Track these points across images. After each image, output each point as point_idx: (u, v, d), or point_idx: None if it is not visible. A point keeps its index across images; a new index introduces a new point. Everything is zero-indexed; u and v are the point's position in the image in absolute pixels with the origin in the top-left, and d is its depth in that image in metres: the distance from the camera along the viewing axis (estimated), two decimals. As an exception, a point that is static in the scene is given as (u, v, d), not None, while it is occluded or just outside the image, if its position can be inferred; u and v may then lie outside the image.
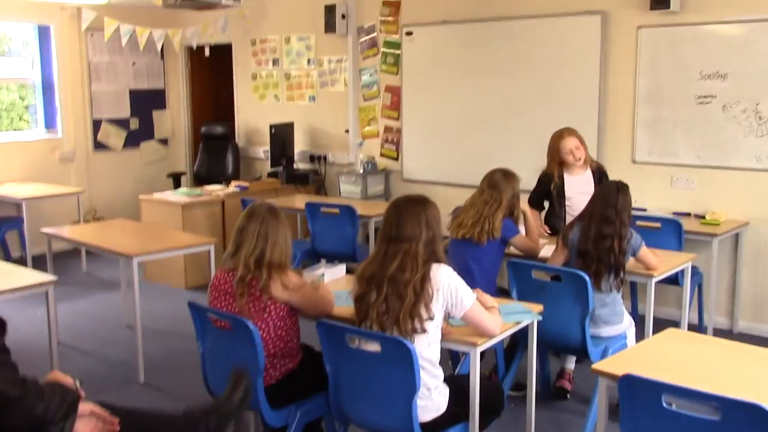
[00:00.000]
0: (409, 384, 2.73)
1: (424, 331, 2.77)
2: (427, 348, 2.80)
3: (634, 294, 5.49)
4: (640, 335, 4.06)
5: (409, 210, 2.89)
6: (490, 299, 3.14)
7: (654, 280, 3.99)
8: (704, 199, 5.39)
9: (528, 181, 4.90)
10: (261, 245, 3.04)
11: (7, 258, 7.18)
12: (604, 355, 3.69)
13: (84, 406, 2.24)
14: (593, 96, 5.77)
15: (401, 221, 2.87)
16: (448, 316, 2.93)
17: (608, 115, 5.69)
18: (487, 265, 4.13)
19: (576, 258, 3.85)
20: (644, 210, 5.45)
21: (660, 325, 3.75)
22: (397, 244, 2.84)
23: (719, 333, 5.24)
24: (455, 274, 2.89)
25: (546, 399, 4.23)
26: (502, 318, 3.11)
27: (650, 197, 5.55)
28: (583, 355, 3.91)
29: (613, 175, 5.43)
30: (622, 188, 3.81)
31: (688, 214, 5.39)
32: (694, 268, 4.98)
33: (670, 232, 4.91)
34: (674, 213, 5.38)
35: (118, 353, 5.00)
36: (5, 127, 7.95)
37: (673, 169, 5.50)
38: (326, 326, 2.92)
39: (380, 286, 2.82)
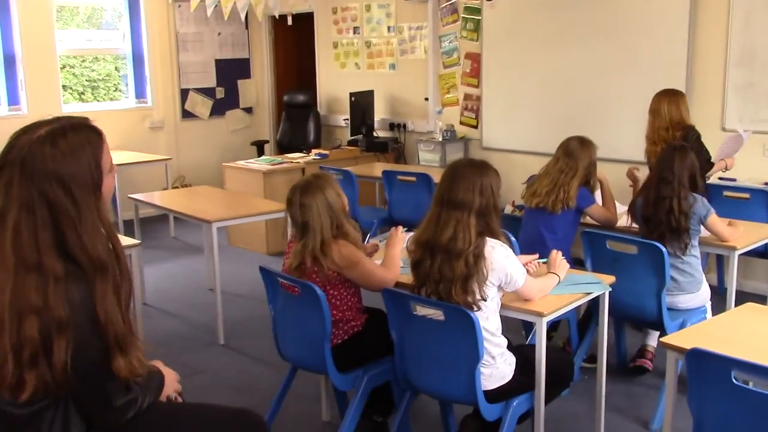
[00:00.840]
0: (473, 352, 2.73)
1: (478, 307, 2.75)
2: (486, 319, 2.79)
3: (720, 268, 5.28)
4: (722, 310, 3.91)
5: (465, 174, 2.81)
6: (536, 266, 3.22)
7: (737, 253, 3.84)
8: (798, 169, 5.12)
9: (605, 150, 4.76)
10: (306, 233, 3.04)
11: (101, 222, 7.51)
12: (681, 328, 3.58)
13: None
14: (681, 60, 5.53)
15: (454, 185, 2.79)
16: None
17: (696, 79, 5.45)
18: (561, 234, 4.06)
19: (641, 225, 3.77)
20: (734, 180, 5.22)
21: (746, 299, 3.59)
22: (449, 210, 2.78)
23: (811, 309, 4.99)
24: (511, 254, 2.83)
25: (622, 372, 4.15)
26: (571, 288, 3.07)
27: (741, 167, 5.26)
28: (659, 329, 3.81)
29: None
30: (679, 150, 3.74)
31: (781, 185, 5.14)
32: (784, 241, 4.76)
33: (759, 203, 4.70)
34: (766, 183, 5.13)
35: (199, 315, 5.19)
36: (102, 97, 8.29)
37: (765, 138, 5.23)
38: (390, 293, 2.95)
39: (434, 254, 2.79)
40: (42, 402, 1.85)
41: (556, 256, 3.21)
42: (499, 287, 2.83)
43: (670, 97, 4.62)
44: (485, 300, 2.76)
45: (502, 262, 2.78)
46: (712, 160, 4.65)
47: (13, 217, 1.75)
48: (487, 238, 2.78)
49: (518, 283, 2.83)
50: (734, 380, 2.21)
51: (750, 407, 2.20)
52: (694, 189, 3.71)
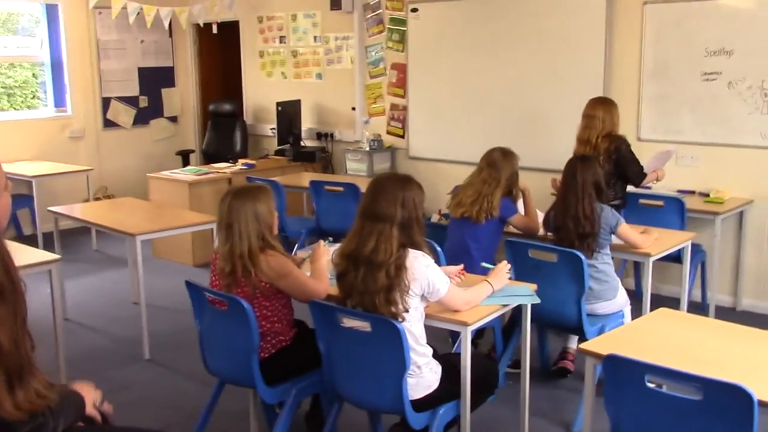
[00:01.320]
0: (399, 362, 2.77)
1: (402, 317, 2.79)
2: (410, 329, 2.83)
3: (638, 273, 5.48)
4: (638, 314, 4.07)
5: (387, 188, 2.86)
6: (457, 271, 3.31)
7: (651, 259, 4.01)
8: (709, 177, 5.37)
9: (529, 159, 4.89)
10: (230, 239, 3.06)
11: (19, 235, 7.29)
12: (600, 333, 3.71)
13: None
14: (598, 72, 5.73)
15: (377, 198, 2.84)
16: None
17: (613, 91, 5.64)
18: (485, 243, 4.15)
19: (554, 235, 3.96)
20: (648, 188, 5.43)
21: (663, 303, 3.75)
22: (372, 222, 2.82)
23: (722, 311, 5.24)
24: (432, 263, 2.88)
25: (545, 377, 4.27)
26: (503, 299, 3.17)
27: (655, 175, 5.51)
28: (580, 334, 3.94)
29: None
30: (581, 160, 3.97)
31: (693, 192, 5.37)
32: (696, 246, 4.99)
33: (673, 210, 4.91)
34: (679, 191, 5.36)
35: (124, 329, 5.08)
36: (19, 105, 8.03)
37: (677, 146, 5.45)
38: (318, 305, 2.96)
39: (358, 266, 2.83)
40: None
41: (501, 267, 3.27)
42: (422, 297, 2.87)
43: (605, 105, 4.79)
44: (408, 311, 2.80)
45: (423, 272, 2.82)
46: (644, 171, 4.83)
47: None
48: (410, 249, 2.83)
49: (441, 292, 2.88)
50: (647, 384, 2.31)
51: (663, 410, 2.30)
52: (600, 197, 3.86)
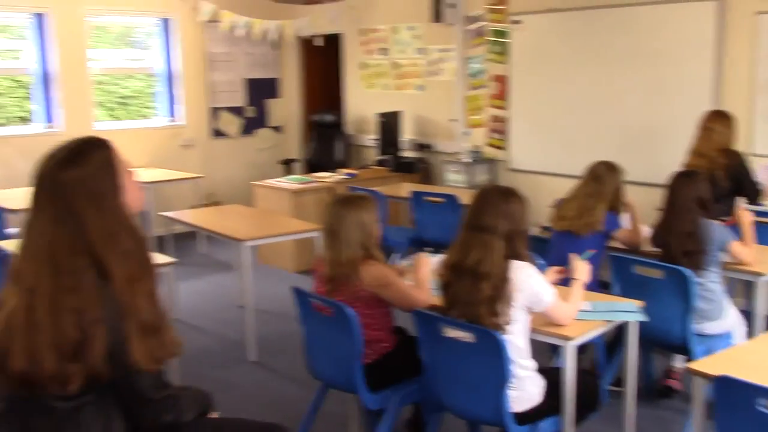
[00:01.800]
0: (501, 374, 2.78)
1: (504, 329, 2.81)
2: (514, 341, 2.84)
3: (750, 293, 5.27)
4: (750, 335, 3.93)
5: (491, 200, 2.90)
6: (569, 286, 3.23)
7: (762, 279, 3.85)
8: (827, 194, 5.11)
9: (634, 173, 4.81)
10: (336, 243, 3.15)
11: (133, 238, 7.66)
12: (707, 354, 3.60)
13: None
14: (707, 86, 5.56)
15: (481, 210, 2.88)
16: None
17: (724, 105, 5.45)
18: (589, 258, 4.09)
19: (659, 251, 3.85)
20: (762, 205, 5.23)
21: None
22: (476, 233, 2.86)
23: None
24: (536, 273, 2.89)
25: (650, 396, 4.17)
26: (608, 315, 3.15)
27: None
28: (686, 354, 3.83)
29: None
30: (685, 175, 3.86)
31: (809, 210, 5.13)
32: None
33: (788, 228, 4.70)
34: (793, 208, 5.13)
35: (231, 332, 5.28)
36: (133, 114, 8.47)
37: (793, 163, 5.25)
38: (421, 315, 3.01)
39: (462, 276, 2.87)
40: (85, 396, 1.97)
41: (575, 261, 3.28)
42: (527, 308, 2.88)
43: (724, 119, 4.73)
44: (510, 323, 2.81)
45: (528, 282, 2.84)
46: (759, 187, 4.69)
47: (48, 237, 1.95)
48: (513, 261, 2.85)
49: (545, 301, 2.88)
50: (759, 408, 2.25)
51: (777, 434, 2.24)
52: (705, 213, 3.75)
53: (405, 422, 3.61)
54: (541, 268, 3.78)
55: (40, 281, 1.92)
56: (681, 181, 3.83)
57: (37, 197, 1.98)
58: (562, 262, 4.11)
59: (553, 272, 3.43)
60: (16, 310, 1.92)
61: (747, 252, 3.86)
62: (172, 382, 2.21)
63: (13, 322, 1.92)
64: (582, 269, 3.25)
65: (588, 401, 3.10)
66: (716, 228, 3.77)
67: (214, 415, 2.39)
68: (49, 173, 1.98)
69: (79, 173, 1.98)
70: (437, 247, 4.56)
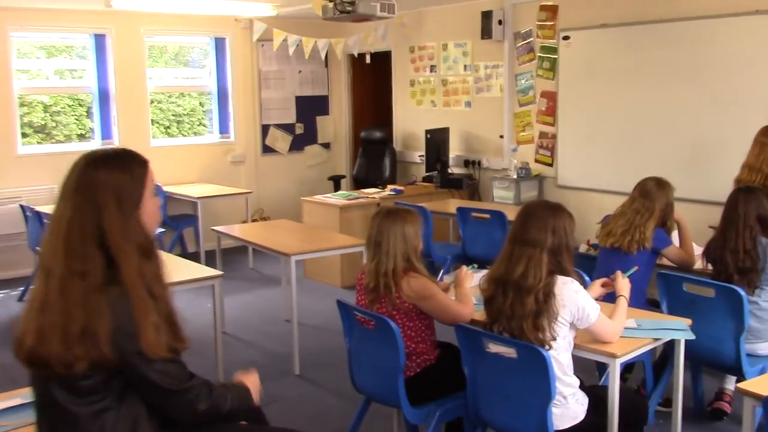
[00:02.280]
0: (544, 391, 2.75)
1: (549, 345, 2.78)
2: (557, 357, 2.81)
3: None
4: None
5: (538, 214, 2.89)
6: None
7: (819, 298, 3.74)
8: None
9: (686, 191, 4.72)
10: (378, 256, 3.17)
11: (184, 252, 7.82)
12: (761, 375, 3.51)
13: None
14: (764, 101, 5.44)
15: (528, 224, 2.87)
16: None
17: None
18: (637, 275, 4.01)
19: (712, 268, 3.76)
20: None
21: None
22: (522, 247, 2.85)
23: None
24: (582, 289, 2.86)
25: (698, 418, 4.07)
26: (655, 333, 3.10)
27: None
28: (738, 374, 3.74)
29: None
30: (745, 191, 3.77)
31: None
32: None
33: None
34: None
35: (276, 345, 5.33)
36: (186, 131, 8.66)
37: None
38: (463, 329, 3.00)
39: (506, 291, 2.85)
40: (102, 400, 2.03)
41: (619, 278, 3.24)
42: (572, 324, 2.85)
43: None
44: (555, 339, 2.79)
45: (573, 297, 2.81)
46: None
47: (66, 219, 2.05)
48: (558, 276, 2.82)
49: (591, 318, 2.85)
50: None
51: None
52: (765, 231, 3.66)
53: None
54: (587, 285, 3.75)
55: (55, 262, 2.01)
56: (743, 196, 3.74)
57: (66, 187, 2.08)
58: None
59: (598, 286, 3.39)
60: (35, 289, 2.05)
61: None
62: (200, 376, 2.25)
63: (32, 300, 2.04)
64: (626, 286, 3.20)
65: (633, 421, 3.04)
66: None
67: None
68: (83, 169, 2.09)
69: (109, 175, 2.08)
70: (482, 264, 4.54)
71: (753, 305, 3.61)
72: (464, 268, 3.48)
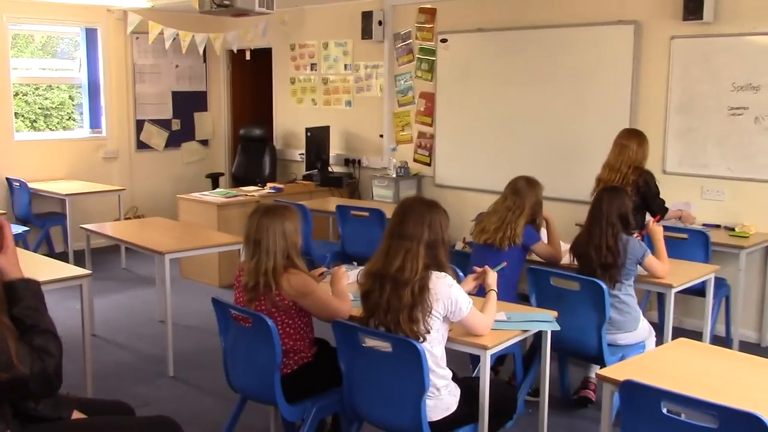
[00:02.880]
0: (419, 384, 2.80)
1: (423, 337, 2.84)
2: (431, 350, 2.87)
3: (661, 305, 5.46)
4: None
5: (415, 209, 2.95)
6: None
7: (673, 291, 4.01)
8: (734, 212, 5.36)
9: (555, 190, 4.94)
10: (257, 254, 3.14)
11: (51, 252, 7.44)
12: (620, 363, 3.71)
13: None
14: (625, 105, 5.78)
15: (405, 218, 2.92)
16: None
17: (639, 124, 5.67)
18: (508, 271, 4.17)
19: (577, 262, 3.96)
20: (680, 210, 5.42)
21: (686, 336, 3.72)
22: (399, 241, 2.89)
23: (746, 346, 5.20)
24: (455, 283, 2.94)
25: (566, 405, 4.26)
26: (523, 325, 3.22)
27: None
28: (600, 363, 3.94)
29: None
30: (609, 191, 3.99)
31: (718, 226, 5.36)
32: (721, 280, 4.98)
33: (697, 243, 4.90)
34: (704, 224, 5.35)
35: (150, 347, 5.17)
36: (54, 126, 8.25)
37: (703, 180, 5.48)
38: (340, 325, 3.02)
39: (383, 284, 2.89)
40: None
41: (488, 273, 3.36)
42: (445, 318, 2.92)
43: (639, 138, 4.90)
44: (429, 332, 2.84)
45: (446, 291, 2.88)
46: (666, 206, 4.89)
47: None
48: (433, 271, 2.88)
49: (463, 311, 2.92)
50: (664, 411, 2.33)
51: (678, 437, 2.31)
52: (626, 229, 3.89)
53: None
54: (461, 280, 3.85)
55: None
56: (607, 195, 3.95)
57: None
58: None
59: (470, 280, 3.49)
60: None
61: (660, 266, 4.01)
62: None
63: None
64: (494, 280, 3.31)
65: (503, 410, 3.15)
66: (634, 243, 3.91)
67: None
68: None
69: None
70: (362, 261, 4.56)
71: (614, 299, 3.82)
72: (341, 267, 3.49)
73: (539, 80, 6.30)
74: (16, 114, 7.75)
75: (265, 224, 3.16)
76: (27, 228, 6.47)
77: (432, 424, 2.90)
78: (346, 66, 7.81)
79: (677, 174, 5.58)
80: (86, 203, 7.56)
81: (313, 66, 8.13)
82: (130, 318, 5.83)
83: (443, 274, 2.91)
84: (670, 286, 4.00)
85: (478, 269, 3.46)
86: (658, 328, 4.56)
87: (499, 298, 3.33)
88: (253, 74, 9.09)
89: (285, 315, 3.16)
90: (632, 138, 4.87)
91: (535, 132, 6.37)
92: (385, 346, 2.87)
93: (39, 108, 8.17)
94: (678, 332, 4.21)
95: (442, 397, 2.93)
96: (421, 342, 2.82)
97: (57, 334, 2.11)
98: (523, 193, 4.23)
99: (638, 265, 3.93)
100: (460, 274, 3.94)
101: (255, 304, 3.16)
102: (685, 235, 4.96)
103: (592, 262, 3.86)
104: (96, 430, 2.28)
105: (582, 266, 3.93)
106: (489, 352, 3.00)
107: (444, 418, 2.94)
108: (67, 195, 7.11)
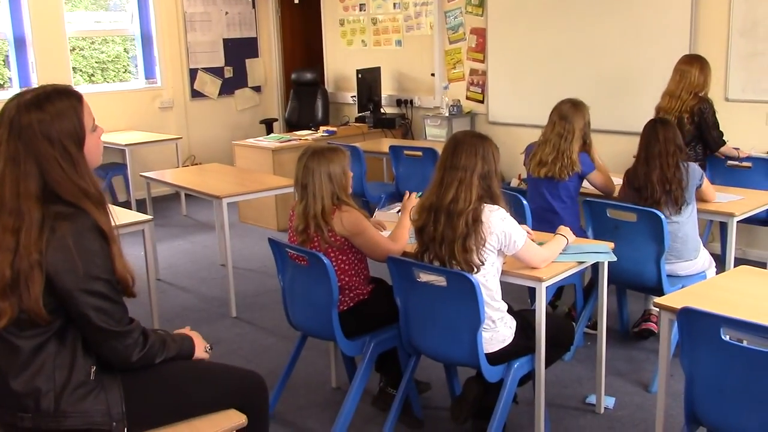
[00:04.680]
0: (474, 316, 2.82)
1: (477, 268, 2.84)
2: (486, 283, 2.88)
3: (724, 237, 5.33)
4: (722, 276, 3.99)
5: (467, 141, 2.92)
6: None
7: (735, 219, 3.92)
8: (801, 137, 5.16)
9: (612, 122, 4.82)
10: (305, 198, 3.16)
11: (114, 201, 7.64)
12: (680, 293, 3.66)
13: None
14: (684, 30, 5.56)
15: (458, 150, 2.90)
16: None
17: (700, 50, 5.45)
18: (569, 202, 4.13)
19: (632, 195, 3.87)
20: (737, 149, 5.26)
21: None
22: (453, 172, 2.88)
23: (814, 276, 5.06)
24: (508, 216, 2.91)
25: (625, 338, 4.24)
26: (579, 256, 3.19)
27: (744, 136, 5.32)
28: (660, 294, 3.88)
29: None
30: (661, 122, 3.89)
31: (784, 153, 5.18)
32: (786, 209, 4.82)
33: (762, 171, 4.76)
34: (768, 152, 5.18)
35: (212, 290, 5.32)
36: (112, 78, 8.39)
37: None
38: (394, 261, 3.04)
39: (437, 217, 2.89)
40: (43, 334, 2.04)
41: (562, 228, 3.32)
42: (499, 251, 2.91)
43: (701, 63, 4.77)
44: (483, 264, 2.85)
45: (500, 224, 2.87)
46: (724, 138, 4.75)
47: (1, 167, 2.00)
48: (486, 204, 2.87)
49: (518, 244, 2.91)
50: (723, 337, 2.29)
51: (739, 363, 2.27)
52: (682, 155, 3.79)
53: (372, 399, 3.59)
54: (525, 209, 3.84)
55: None
56: (659, 125, 3.85)
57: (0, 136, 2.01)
58: (546, 208, 4.17)
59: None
60: None
61: (712, 188, 4.01)
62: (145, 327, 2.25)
63: None
64: (568, 232, 3.27)
65: (560, 341, 3.16)
66: (693, 166, 3.82)
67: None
68: (12, 114, 2.01)
69: (39, 116, 2.01)
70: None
71: (674, 225, 3.73)
72: (413, 194, 3.48)
73: (593, 9, 6.09)
74: (74, 69, 7.90)
75: (311, 168, 3.17)
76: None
77: (489, 355, 2.92)
78: (395, 5, 7.69)
79: (741, 101, 5.38)
80: (145, 153, 7.72)
81: (362, 6, 8.03)
82: (192, 263, 5.99)
83: (496, 207, 2.90)
84: (732, 215, 3.91)
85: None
86: (720, 259, 4.48)
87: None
88: (302, 18, 9.04)
89: (339, 252, 3.20)
90: (693, 63, 4.72)
91: (590, 63, 6.19)
92: (439, 280, 2.89)
93: (96, 62, 8.30)
94: (741, 263, 4.07)
95: (498, 329, 2.94)
96: (475, 273, 2.82)
97: (160, 358, 2.25)
98: (570, 117, 4.12)
99: (697, 189, 3.85)
100: (524, 202, 3.91)
101: (308, 245, 3.20)
102: (749, 164, 4.81)
103: (655, 192, 3.77)
104: (190, 372, 2.35)
105: (644, 197, 3.82)
106: (544, 284, 3.00)
107: (500, 349, 2.96)
108: (126, 145, 7.26)
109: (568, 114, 4.11)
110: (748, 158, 4.86)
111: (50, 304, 2.01)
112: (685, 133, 4.52)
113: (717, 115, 4.71)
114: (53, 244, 1.97)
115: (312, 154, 3.22)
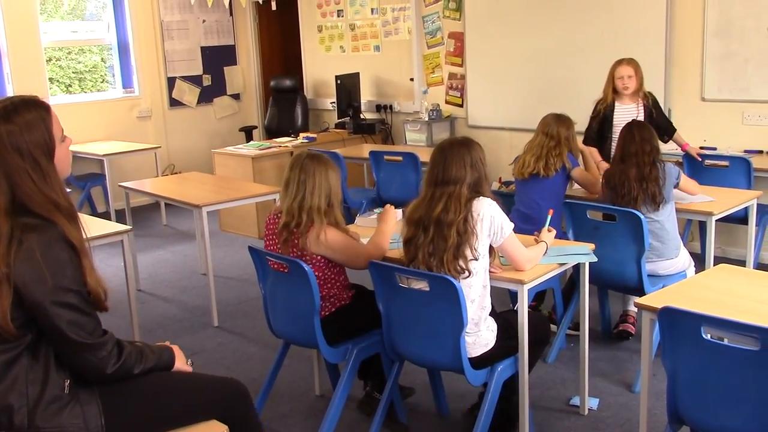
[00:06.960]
0: (457, 320, 2.81)
1: (469, 272, 2.84)
2: (472, 287, 2.88)
3: (703, 235, 5.37)
4: (701, 274, 4.01)
5: (455, 152, 2.93)
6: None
7: (713, 218, 3.94)
8: (777, 136, 5.21)
9: (585, 122, 4.87)
10: (301, 192, 3.14)
11: (93, 212, 7.58)
12: (661, 292, 3.68)
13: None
14: (660, 30, 5.60)
15: (447, 164, 2.92)
16: (497, 255, 3.02)
17: (675, 50, 5.53)
18: (555, 201, 4.13)
19: (610, 195, 3.91)
20: (714, 149, 5.31)
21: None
22: (442, 187, 2.90)
23: (792, 272, 5.10)
24: (495, 204, 2.93)
25: (607, 339, 4.26)
26: (560, 258, 3.19)
27: (720, 135, 5.40)
28: (641, 294, 3.90)
29: (681, 114, 5.39)
30: (637, 125, 3.96)
31: (761, 152, 5.23)
32: (763, 207, 4.87)
33: (739, 170, 4.79)
34: (745, 151, 5.23)
35: (193, 299, 5.28)
36: (89, 88, 8.32)
37: (744, 106, 5.32)
38: (377, 266, 3.03)
39: (427, 229, 2.89)
40: (13, 349, 2.01)
41: (544, 228, 3.32)
42: (490, 240, 2.91)
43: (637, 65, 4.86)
44: (477, 259, 2.84)
45: (487, 209, 2.88)
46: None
47: None
48: (474, 200, 2.89)
49: (505, 231, 2.92)
50: (704, 336, 2.30)
51: (720, 361, 2.28)
52: (657, 155, 3.84)
53: (357, 404, 3.59)
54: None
55: None
56: (635, 126, 3.94)
57: None
58: (531, 207, 4.20)
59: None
60: None
61: (693, 182, 4.06)
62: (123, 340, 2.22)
63: None
64: (548, 235, 3.28)
65: (538, 337, 3.15)
66: (669, 166, 3.87)
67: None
68: None
69: (8, 128, 1.99)
70: (398, 206, 4.56)
71: (655, 224, 3.76)
72: (391, 206, 3.48)
73: (570, 13, 6.13)
74: (51, 79, 7.82)
75: (312, 167, 3.17)
76: (69, 190, 6.57)
77: (472, 360, 2.92)
78: (372, 10, 7.70)
79: (717, 100, 5.43)
80: (124, 162, 7.66)
81: (339, 12, 8.03)
82: (173, 272, 5.94)
83: (485, 198, 2.92)
84: (711, 214, 3.94)
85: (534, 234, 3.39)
86: (700, 258, 4.51)
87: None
88: (279, 25, 9.03)
89: (314, 267, 3.16)
90: (638, 68, 4.86)
91: (567, 66, 6.22)
92: (422, 284, 2.88)
93: (73, 72, 8.23)
94: (721, 262, 4.09)
95: (481, 333, 2.94)
96: (466, 276, 2.82)
97: (137, 369, 2.22)
98: (554, 129, 4.20)
99: (675, 188, 3.88)
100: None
101: (289, 246, 3.16)
102: (726, 163, 4.85)
103: (632, 190, 3.80)
104: (168, 382, 2.32)
105: (621, 196, 3.85)
106: (526, 287, 3.00)
107: (483, 353, 2.95)
108: (104, 155, 7.21)
109: (552, 126, 4.21)
110: (726, 157, 4.91)
111: (20, 318, 1.98)
112: None
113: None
114: (20, 256, 1.95)
115: (312, 157, 3.23)
